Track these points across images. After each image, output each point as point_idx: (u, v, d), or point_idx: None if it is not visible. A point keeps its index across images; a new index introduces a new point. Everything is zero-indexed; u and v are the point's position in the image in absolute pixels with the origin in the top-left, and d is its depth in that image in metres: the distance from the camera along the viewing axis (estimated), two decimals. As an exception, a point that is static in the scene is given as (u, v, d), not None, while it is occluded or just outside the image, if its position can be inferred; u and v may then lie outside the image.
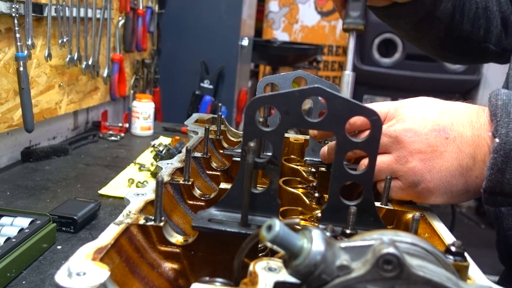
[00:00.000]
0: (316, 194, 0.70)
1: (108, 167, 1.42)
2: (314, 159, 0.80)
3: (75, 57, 1.56)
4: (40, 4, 1.33)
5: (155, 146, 1.54)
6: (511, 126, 0.55)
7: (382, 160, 0.62)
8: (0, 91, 1.24)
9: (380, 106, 0.65)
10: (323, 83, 0.80)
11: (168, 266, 0.52)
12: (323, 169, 0.76)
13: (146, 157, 1.52)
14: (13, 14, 1.20)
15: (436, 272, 0.33)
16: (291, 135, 0.97)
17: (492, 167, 0.55)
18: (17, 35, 1.21)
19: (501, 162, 0.55)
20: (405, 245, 0.36)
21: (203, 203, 0.65)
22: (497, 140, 0.55)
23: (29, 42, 1.27)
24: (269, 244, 0.34)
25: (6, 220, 0.87)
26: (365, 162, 0.65)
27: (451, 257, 0.44)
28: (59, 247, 0.90)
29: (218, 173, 0.79)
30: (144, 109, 1.83)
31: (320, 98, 0.65)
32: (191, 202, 0.65)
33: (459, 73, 3.80)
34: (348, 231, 0.51)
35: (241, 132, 0.89)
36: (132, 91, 2.13)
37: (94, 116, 1.93)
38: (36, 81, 1.41)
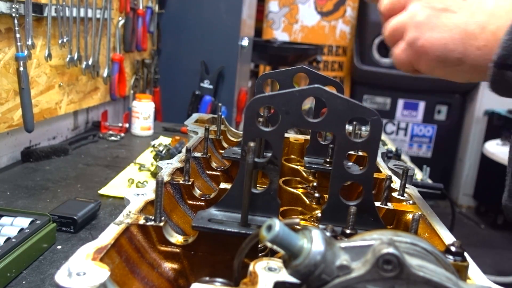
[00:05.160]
0: (316, 194, 0.70)
1: (108, 167, 1.42)
2: (313, 164, 0.78)
3: (75, 57, 1.56)
4: (40, 4, 1.33)
5: (155, 146, 1.54)
6: None
7: (398, 18, 0.59)
8: (0, 91, 1.24)
9: None
10: (327, 80, 0.77)
11: (168, 266, 0.52)
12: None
13: (146, 157, 1.52)
14: (13, 14, 1.20)
15: (436, 272, 0.33)
16: (291, 135, 0.97)
17: (511, 30, 0.47)
18: (17, 35, 1.22)
19: None
20: (405, 245, 0.36)
21: (203, 203, 0.65)
22: None
23: (29, 42, 1.27)
24: (269, 244, 0.34)
25: (6, 220, 0.87)
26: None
27: (451, 257, 0.44)
28: (59, 247, 0.90)
29: (218, 173, 0.79)
30: (144, 109, 1.83)
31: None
32: (191, 202, 0.65)
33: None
34: (348, 231, 0.51)
35: (241, 132, 0.89)
36: (132, 91, 2.13)
37: (94, 116, 1.93)
38: (36, 81, 1.41)
